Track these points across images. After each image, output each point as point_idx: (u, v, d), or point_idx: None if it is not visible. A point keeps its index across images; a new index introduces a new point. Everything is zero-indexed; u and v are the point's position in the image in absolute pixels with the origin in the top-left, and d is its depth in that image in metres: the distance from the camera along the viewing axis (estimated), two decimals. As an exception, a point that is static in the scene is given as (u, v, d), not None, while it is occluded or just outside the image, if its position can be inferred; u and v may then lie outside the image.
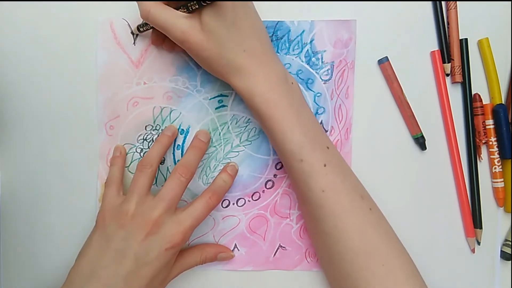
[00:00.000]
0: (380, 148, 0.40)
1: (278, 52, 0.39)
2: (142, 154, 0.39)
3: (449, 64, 0.39)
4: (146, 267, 0.33)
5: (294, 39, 0.39)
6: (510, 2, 0.39)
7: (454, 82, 0.39)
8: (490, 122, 0.39)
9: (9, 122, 0.39)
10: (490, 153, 0.39)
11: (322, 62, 0.39)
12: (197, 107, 0.39)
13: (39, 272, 0.40)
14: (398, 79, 0.39)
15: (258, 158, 0.40)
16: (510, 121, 0.39)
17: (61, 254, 0.40)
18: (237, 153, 0.40)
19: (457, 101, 0.40)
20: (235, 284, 0.40)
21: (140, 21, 0.37)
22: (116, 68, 0.39)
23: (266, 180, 0.40)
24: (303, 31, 0.39)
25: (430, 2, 0.39)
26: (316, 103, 0.39)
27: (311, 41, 0.39)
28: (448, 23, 0.39)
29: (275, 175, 0.40)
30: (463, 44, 0.39)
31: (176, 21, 0.33)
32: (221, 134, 0.40)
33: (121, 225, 0.34)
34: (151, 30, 0.37)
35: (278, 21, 0.39)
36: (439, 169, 0.40)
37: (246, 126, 0.40)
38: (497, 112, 0.39)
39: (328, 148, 0.35)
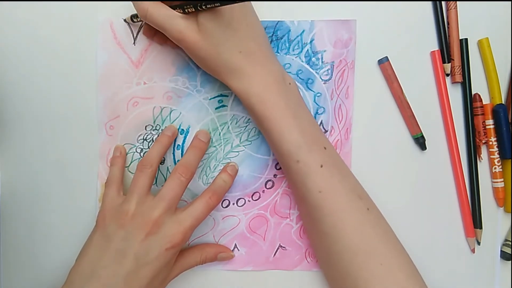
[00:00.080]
0: (380, 148, 0.40)
1: (278, 52, 0.39)
2: (142, 154, 0.39)
3: (449, 64, 0.39)
4: (146, 267, 0.33)
5: (294, 39, 0.39)
6: (510, 2, 0.39)
7: (454, 82, 0.39)
8: (490, 122, 0.39)
9: (9, 122, 0.39)
10: (490, 153, 0.39)
11: (322, 62, 0.39)
12: (197, 107, 0.39)
13: (39, 272, 0.40)
14: (398, 79, 0.39)
15: (258, 158, 0.40)
16: (510, 121, 0.39)
17: (61, 254, 0.40)
18: (237, 153, 0.40)
19: (457, 101, 0.40)
20: (235, 284, 0.40)
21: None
22: (116, 68, 0.39)
23: (266, 180, 0.40)
24: (303, 31, 0.39)
25: (430, 2, 0.39)
26: (316, 103, 0.39)
27: (311, 41, 0.39)
28: (448, 23, 0.39)
29: (275, 175, 0.40)
30: (463, 44, 0.39)
31: (173, 21, 0.33)
32: (221, 134, 0.40)
33: (121, 225, 0.34)
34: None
35: (278, 21, 0.39)
36: (439, 169, 0.40)
37: (246, 126, 0.40)
38: (497, 112, 0.39)
39: (325, 148, 0.34)
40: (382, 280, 0.32)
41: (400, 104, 0.39)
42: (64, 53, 0.39)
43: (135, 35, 0.39)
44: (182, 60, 0.39)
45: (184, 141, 0.39)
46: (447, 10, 0.39)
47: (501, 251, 0.40)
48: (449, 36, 0.39)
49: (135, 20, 0.37)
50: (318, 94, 0.39)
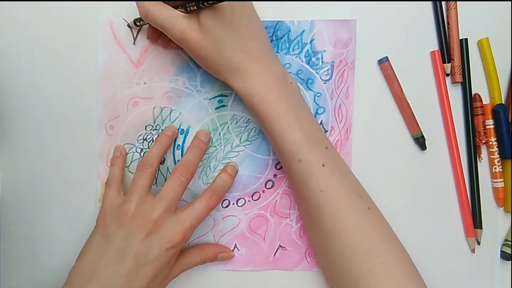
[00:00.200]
0: (380, 148, 0.40)
1: (278, 52, 0.39)
2: (142, 154, 0.39)
3: (449, 64, 0.39)
4: (146, 267, 0.33)
5: (294, 39, 0.39)
6: (510, 2, 0.39)
7: (454, 82, 0.39)
8: (490, 122, 0.39)
9: (9, 122, 0.39)
10: (490, 153, 0.39)
11: (322, 62, 0.39)
12: (197, 107, 0.39)
13: (39, 272, 0.40)
14: (398, 79, 0.39)
15: (258, 158, 0.40)
16: (510, 121, 0.39)
17: (61, 254, 0.40)
18: (237, 153, 0.40)
19: (457, 101, 0.40)
20: (235, 284, 0.40)
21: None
22: (116, 68, 0.39)
23: (266, 180, 0.40)
24: (303, 31, 0.39)
25: (430, 2, 0.39)
26: (316, 103, 0.39)
27: (311, 41, 0.39)
28: (448, 23, 0.39)
29: (275, 175, 0.40)
30: (463, 44, 0.39)
31: (175, 20, 0.33)
32: (221, 134, 0.40)
33: (122, 225, 0.34)
34: (147, 24, 0.37)
35: (278, 21, 0.39)
36: (439, 169, 0.40)
37: (246, 126, 0.40)
38: (497, 112, 0.39)
39: (326, 148, 0.35)
40: (382, 279, 0.32)
41: (400, 104, 0.39)
42: (64, 53, 0.39)
43: (135, 35, 0.39)
44: (182, 60, 0.39)
45: (184, 141, 0.39)
46: (447, 10, 0.39)
47: (501, 251, 0.40)
48: (449, 36, 0.39)
49: (138, 23, 0.37)
50: (318, 94, 0.39)
